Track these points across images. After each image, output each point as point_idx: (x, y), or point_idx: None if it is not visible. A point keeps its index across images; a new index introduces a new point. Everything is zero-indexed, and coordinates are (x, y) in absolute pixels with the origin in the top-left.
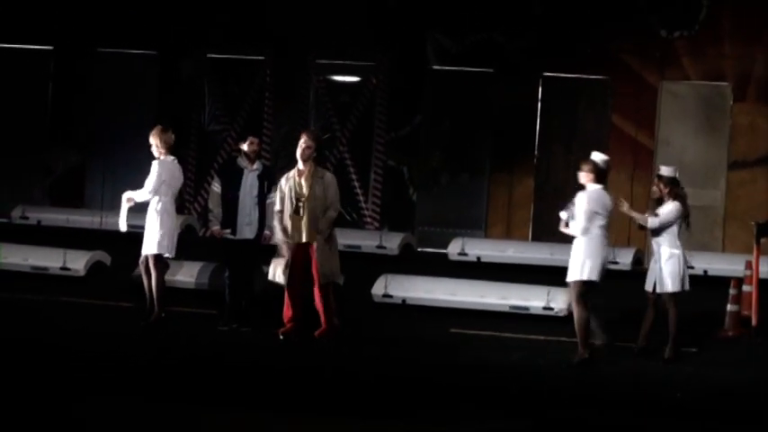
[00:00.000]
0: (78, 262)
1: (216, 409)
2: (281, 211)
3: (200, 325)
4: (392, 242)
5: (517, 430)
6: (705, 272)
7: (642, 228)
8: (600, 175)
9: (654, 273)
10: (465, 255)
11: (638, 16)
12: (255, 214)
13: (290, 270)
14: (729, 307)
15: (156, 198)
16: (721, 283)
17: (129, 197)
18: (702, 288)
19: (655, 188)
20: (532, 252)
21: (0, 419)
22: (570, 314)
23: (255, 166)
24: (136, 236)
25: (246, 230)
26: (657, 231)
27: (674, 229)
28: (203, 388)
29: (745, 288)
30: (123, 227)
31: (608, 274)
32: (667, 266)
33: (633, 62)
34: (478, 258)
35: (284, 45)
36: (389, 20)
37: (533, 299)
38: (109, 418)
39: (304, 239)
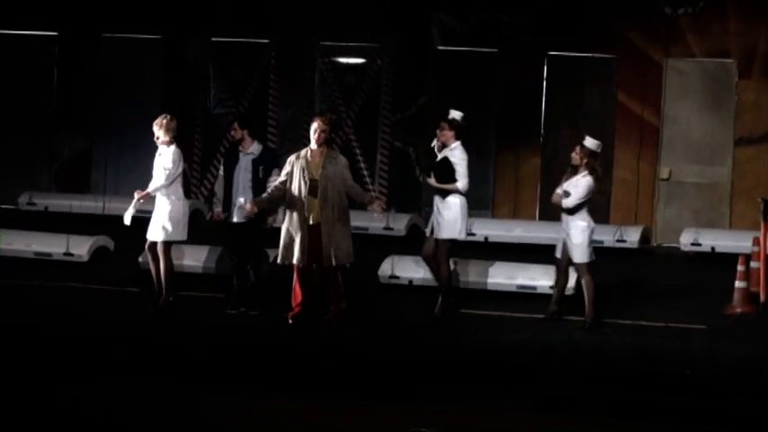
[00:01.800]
0: (81, 247)
1: (220, 391)
2: (282, 188)
3: (208, 309)
4: (399, 223)
5: (521, 409)
6: (713, 249)
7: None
8: (460, 131)
9: (562, 240)
10: (473, 235)
11: None
12: (248, 198)
13: (302, 252)
14: (737, 283)
15: (171, 185)
16: (729, 259)
17: (145, 193)
18: (710, 265)
19: (575, 155)
20: (540, 231)
21: (4, 405)
22: (578, 293)
23: (251, 150)
24: (140, 221)
25: (239, 214)
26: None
27: (585, 202)
28: (209, 370)
29: (753, 264)
30: (128, 220)
31: (615, 253)
32: (575, 237)
33: (638, 40)
34: (486, 238)
35: (289, 28)
36: (394, 1)
37: (541, 278)
38: (117, 402)
39: (315, 221)
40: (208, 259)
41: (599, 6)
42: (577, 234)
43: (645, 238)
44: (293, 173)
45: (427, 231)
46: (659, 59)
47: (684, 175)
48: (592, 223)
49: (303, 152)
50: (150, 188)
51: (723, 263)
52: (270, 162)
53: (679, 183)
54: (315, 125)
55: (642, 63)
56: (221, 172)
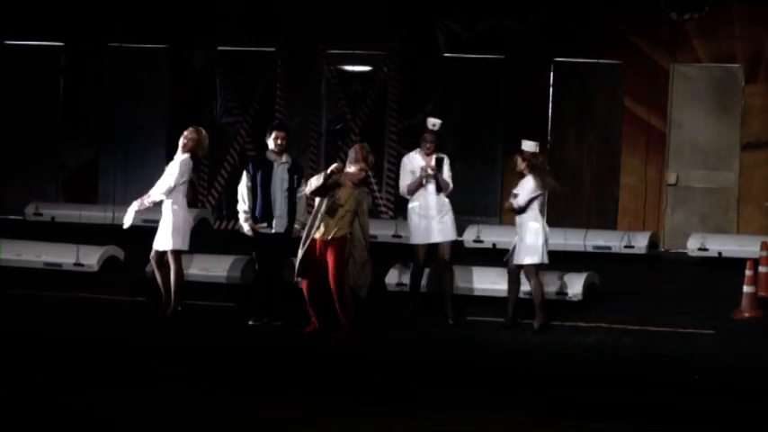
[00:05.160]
0: (91, 257)
1: (229, 398)
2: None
3: (216, 317)
4: (408, 231)
5: (528, 414)
6: (719, 254)
7: (513, 210)
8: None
9: (513, 246)
10: (480, 242)
11: None
12: (285, 208)
13: (310, 266)
14: (745, 288)
15: (175, 195)
16: (736, 264)
17: (148, 201)
18: (718, 270)
19: (516, 162)
20: None
21: (11, 415)
22: (585, 299)
23: (284, 159)
24: (149, 230)
25: (277, 224)
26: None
27: (535, 203)
28: (218, 377)
29: (761, 269)
30: (127, 224)
31: (623, 258)
32: (528, 239)
33: (644, 45)
34: (494, 245)
35: (295, 35)
36: (399, 8)
37: (548, 284)
38: (123, 408)
39: (329, 236)
40: (214, 268)
41: (605, 12)
42: (530, 235)
43: (653, 243)
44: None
45: (437, 238)
46: (665, 65)
47: (692, 180)
48: (546, 226)
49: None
50: (152, 194)
51: (731, 267)
52: (301, 171)
53: (686, 188)
54: (359, 166)
55: (648, 68)
56: (247, 184)
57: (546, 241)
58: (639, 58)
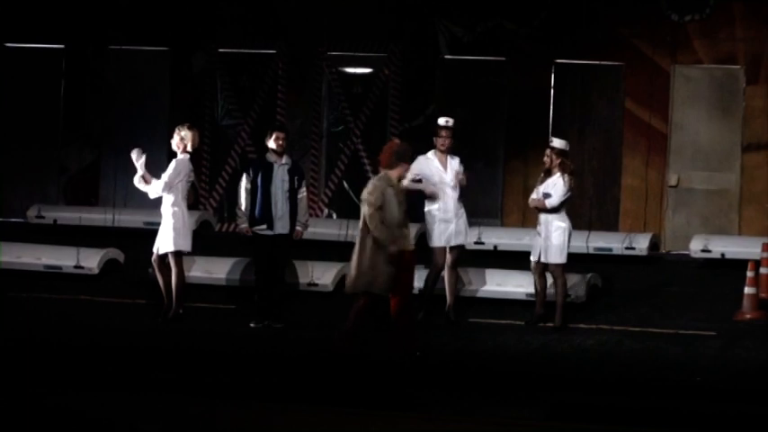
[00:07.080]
0: (92, 260)
1: (230, 403)
2: (382, 218)
3: (217, 320)
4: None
5: (531, 417)
6: (722, 255)
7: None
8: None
9: (539, 244)
10: (482, 243)
11: (649, 0)
12: (287, 209)
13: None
14: (747, 289)
15: (174, 196)
16: (738, 265)
17: (145, 189)
18: (719, 271)
19: (546, 159)
20: None
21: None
22: (587, 300)
23: (284, 161)
24: (149, 233)
25: (279, 225)
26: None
27: (564, 202)
28: (219, 381)
29: (763, 270)
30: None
31: (625, 260)
32: (555, 238)
33: (645, 47)
34: (495, 247)
35: (296, 38)
36: (400, 10)
37: (550, 286)
38: (126, 412)
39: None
40: (215, 270)
41: (606, 14)
42: (558, 235)
43: (654, 245)
44: (388, 201)
45: (456, 241)
46: (666, 66)
47: (693, 181)
48: (570, 225)
49: (385, 179)
50: (150, 191)
51: (732, 269)
52: (302, 172)
53: (688, 189)
54: (401, 169)
55: (649, 70)
56: (246, 186)
57: (569, 240)
58: (640, 59)
